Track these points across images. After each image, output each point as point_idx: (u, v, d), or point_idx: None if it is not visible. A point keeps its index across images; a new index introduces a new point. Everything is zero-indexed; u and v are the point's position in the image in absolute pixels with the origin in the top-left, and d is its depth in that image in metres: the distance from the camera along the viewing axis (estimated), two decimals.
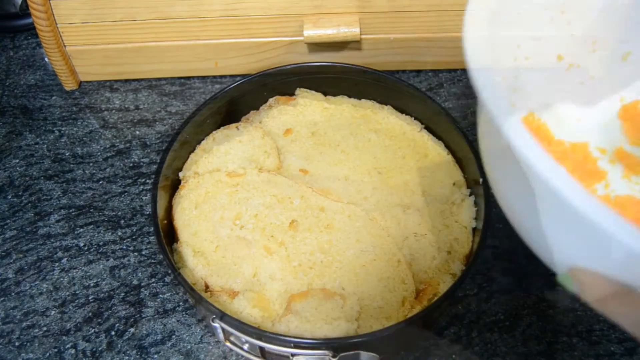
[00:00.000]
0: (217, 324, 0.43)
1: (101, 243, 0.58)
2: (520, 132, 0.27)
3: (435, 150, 0.56)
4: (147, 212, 0.59)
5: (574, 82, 0.43)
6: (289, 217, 0.50)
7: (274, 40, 0.66)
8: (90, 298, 0.54)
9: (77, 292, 0.54)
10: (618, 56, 0.42)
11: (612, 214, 0.24)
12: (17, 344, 0.51)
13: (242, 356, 0.47)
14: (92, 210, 0.60)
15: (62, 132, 0.66)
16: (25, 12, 0.73)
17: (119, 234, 0.58)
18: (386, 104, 0.60)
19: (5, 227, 0.59)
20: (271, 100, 0.60)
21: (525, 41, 0.40)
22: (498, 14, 0.36)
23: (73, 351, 0.51)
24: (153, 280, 0.55)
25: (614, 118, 0.42)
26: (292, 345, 0.42)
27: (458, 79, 0.70)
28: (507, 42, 0.39)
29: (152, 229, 0.58)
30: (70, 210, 0.60)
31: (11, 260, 0.56)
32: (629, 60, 0.42)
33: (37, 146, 0.65)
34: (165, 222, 0.51)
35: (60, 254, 0.57)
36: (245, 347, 0.46)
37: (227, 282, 0.48)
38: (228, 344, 0.46)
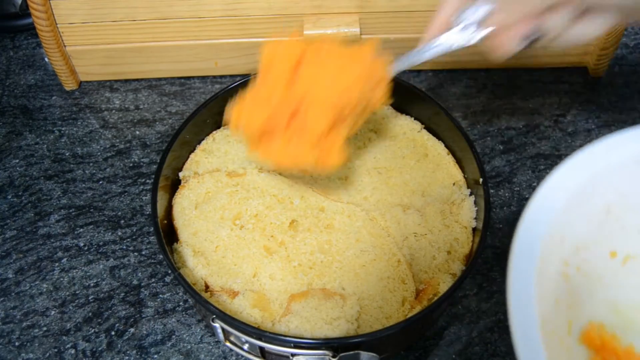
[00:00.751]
0: (217, 324, 0.43)
1: (101, 243, 0.58)
2: None
3: (435, 150, 0.56)
4: (147, 212, 0.59)
5: (634, 275, 0.40)
6: (289, 217, 0.50)
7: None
8: (90, 298, 0.54)
9: (77, 292, 0.54)
10: None
11: None
12: (17, 344, 0.51)
13: (242, 356, 0.47)
14: (92, 210, 0.60)
15: (62, 132, 0.66)
16: (25, 12, 0.74)
17: (119, 234, 0.58)
18: (386, 104, 0.59)
19: (5, 227, 0.59)
20: None
21: (571, 253, 0.38)
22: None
23: (73, 351, 0.51)
24: (153, 280, 0.55)
25: None
26: (292, 345, 0.42)
27: (458, 79, 0.70)
28: (552, 265, 0.36)
29: (152, 229, 0.58)
30: (70, 210, 0.60)
31: (11, 260, 0.57)
32: None
33: (37, 146, 0.65)
34: (165, 222, 0.51)
35: (60, 254, 0.57)
36: (245, 347, 0.46)
37: (227, 282, 0.48)
38: (228, 344, 0.46)
